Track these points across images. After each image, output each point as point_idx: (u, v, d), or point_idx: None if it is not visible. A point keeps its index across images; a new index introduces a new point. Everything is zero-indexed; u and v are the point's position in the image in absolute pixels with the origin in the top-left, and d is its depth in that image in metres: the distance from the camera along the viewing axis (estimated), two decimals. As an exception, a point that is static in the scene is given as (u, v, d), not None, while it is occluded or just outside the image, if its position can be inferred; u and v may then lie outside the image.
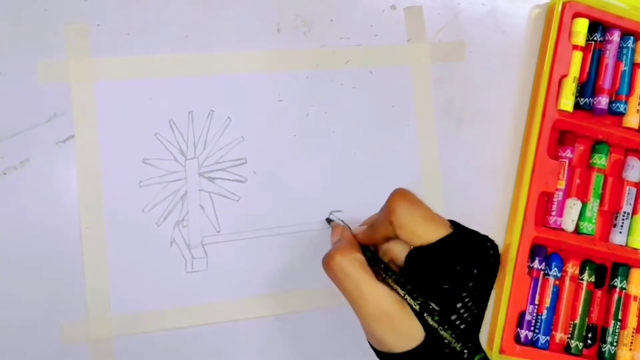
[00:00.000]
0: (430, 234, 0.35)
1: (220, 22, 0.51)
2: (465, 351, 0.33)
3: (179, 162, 0.50)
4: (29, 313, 0.47)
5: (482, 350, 0.33)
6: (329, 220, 0.47)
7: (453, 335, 0.33)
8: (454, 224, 0.36)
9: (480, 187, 0.55)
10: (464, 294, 0.34)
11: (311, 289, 0.52)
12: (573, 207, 0.55)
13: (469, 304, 0.34)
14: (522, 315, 0.53)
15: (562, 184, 0.55)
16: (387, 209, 0.37)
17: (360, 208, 0.47)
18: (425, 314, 0.34)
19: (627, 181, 0.56)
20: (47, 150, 0.48)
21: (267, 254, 0.51)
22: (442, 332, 0.33)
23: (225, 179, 0.51)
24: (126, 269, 0.48)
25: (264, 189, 0.51)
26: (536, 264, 0.54)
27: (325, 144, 0.53)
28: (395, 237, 0.37)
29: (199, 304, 0.50)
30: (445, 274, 0.34)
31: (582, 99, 0.56)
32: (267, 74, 0.52)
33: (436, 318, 0.34)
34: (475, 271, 0.34)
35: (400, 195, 0.37)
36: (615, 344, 0.54)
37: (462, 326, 0.34)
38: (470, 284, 0.34)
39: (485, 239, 0.36)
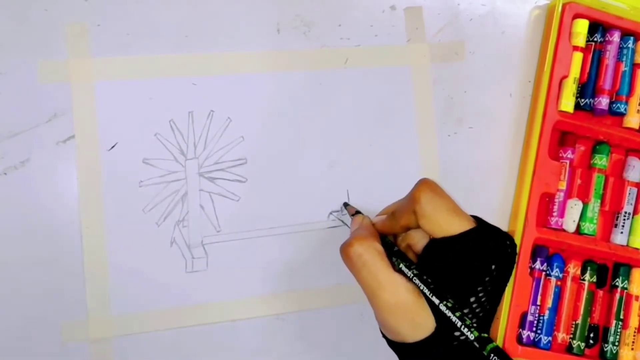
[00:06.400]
0: (453, 226, 0.35)
1: (220, 22, 0.51)
2: (477, 338, 0.32)
3: (179, 162, 0.50)
4: (29, 313, 0.47)
5: (493, 341, 0.33)
6: (345, 205, 0.47)
7: (465, 328, 0.33)
8: (476, 219, 0.36)
9: (481, 188, 0.55)
10: (478, 289, 0.34)
11: (311, 289, 0.51)
12: (574, 207, 0.55)
13: (482, 299, 0.34)
14: (524, 315, 0.53)
15: (563, 185, 0.54)
16: (412, 198, 0.36)
17: (360, 208, 0.47)
18: (441, 306, 0.34)
19: (628, 181, 0.56)
20: (47, 150, 0.48)
21: (267, 254, 0.51)
22: (458, 324, 0.33)
23: (226, 179, 0.51)
24: (126, 269, 0.48)
25: (264, 189, 0.51)
26: (538, 265, 0.54)
27: (325, 144, 0.52)
28: (416, 227, 0.37)
29: (199, 304, 0.49)
30: (463, 268, 0.34)
31: (582, 100, 0.55)
32: (267, 74, 0.52)
33: (451, 310, 0.33)
34: (493, 267, 0.34)
35: (425, 185, 0.37)
36: (617, 343, 0.54)
37: (473, 320, 0.34)
38: (487, 279, 0.34)
39: (506, 237, 0.36)
